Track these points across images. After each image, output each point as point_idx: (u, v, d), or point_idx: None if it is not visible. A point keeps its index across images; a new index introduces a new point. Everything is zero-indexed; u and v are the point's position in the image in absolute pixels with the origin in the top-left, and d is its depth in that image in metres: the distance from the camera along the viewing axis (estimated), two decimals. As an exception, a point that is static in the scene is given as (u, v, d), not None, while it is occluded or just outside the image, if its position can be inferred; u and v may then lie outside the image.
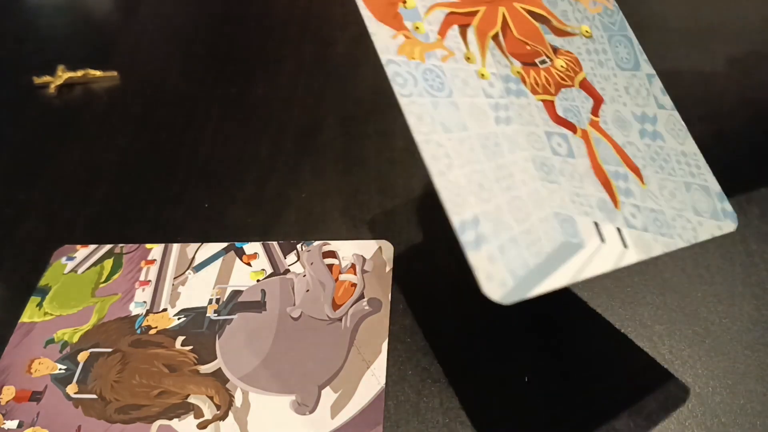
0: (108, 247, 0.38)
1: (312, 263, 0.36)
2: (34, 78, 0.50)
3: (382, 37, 0.27)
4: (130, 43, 0.54)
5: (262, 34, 0.53)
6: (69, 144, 0.45)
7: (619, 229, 0.27)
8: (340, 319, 0.33)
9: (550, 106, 0.29)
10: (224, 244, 0.37)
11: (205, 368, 0.32)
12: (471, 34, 0.29)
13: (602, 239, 0.26)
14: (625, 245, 0.26)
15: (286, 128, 0.44)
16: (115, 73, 0.50)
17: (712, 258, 0.34)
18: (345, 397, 0.30)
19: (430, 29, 0.28)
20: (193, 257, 0.37)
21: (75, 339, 0.34)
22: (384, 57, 0.26)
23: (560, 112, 0.29)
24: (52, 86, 0.49)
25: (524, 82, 0.29)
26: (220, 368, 0.32)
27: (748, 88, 0.43)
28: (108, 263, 0.37)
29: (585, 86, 0.29)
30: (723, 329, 0.31)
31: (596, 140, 0.28)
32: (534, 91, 0.29)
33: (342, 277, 0.35)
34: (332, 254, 0.36)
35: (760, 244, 0.34)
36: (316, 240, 0.37)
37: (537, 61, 0.29)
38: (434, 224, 0.37)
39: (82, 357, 0.33)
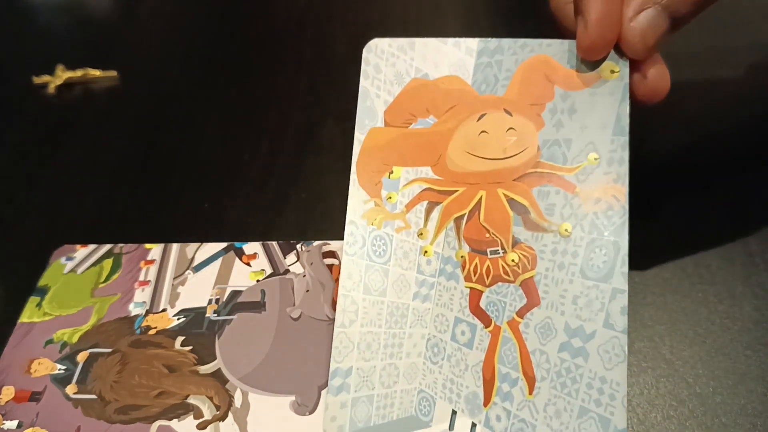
0: (107, 247, 0.38)
1: (312, 263, 0.36)
2: (33, 78, 0.50)
3: (356, 200, 0.30)
4: (130, 43, 0.54)
5: (262, 34, 0.53)
6: (68, 144, 0.45)
7: (474, 425, 0.28)
8: (340, 320, 0.33)
9: (475, 295, 0.29)
10: (224, 244, 0.37)
11: (204, 368, 0.32)
12: (436, 212, 0.30)
13: (451, 427, 0.28)
14: None
15: (286, 128, 0.44)
16: (114, 73, 0.50)
17: (712, 258, 0.34)
18: (345, 397, 0.30)
19: (401, 201, 0.30)
20: (193, 257, 0.37)
21: (74, 339, 0.34)
22: (348, 217, 0.30)
23: (482, 304, 0.29)
24: (52, 86, 0.49)
25: (463, 267, 0.29)
26: (219, 368, 0.32)
27: (749, 90, 0.42)
28: (107, 263, 0.37)
29: (526, 285, 0.28)
30: (723, 329, 0.31)
31: (505, 339, 0.28)
32: (468, 278, 0.29)
33: (342, 277, 0.35)
34: (332, 254, 0.36)
35: (760, 244, 0.34)
36: (316, 240, 0.37)
37: (489, 250, 0.29)
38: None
39: (81, 357, 0.33)
